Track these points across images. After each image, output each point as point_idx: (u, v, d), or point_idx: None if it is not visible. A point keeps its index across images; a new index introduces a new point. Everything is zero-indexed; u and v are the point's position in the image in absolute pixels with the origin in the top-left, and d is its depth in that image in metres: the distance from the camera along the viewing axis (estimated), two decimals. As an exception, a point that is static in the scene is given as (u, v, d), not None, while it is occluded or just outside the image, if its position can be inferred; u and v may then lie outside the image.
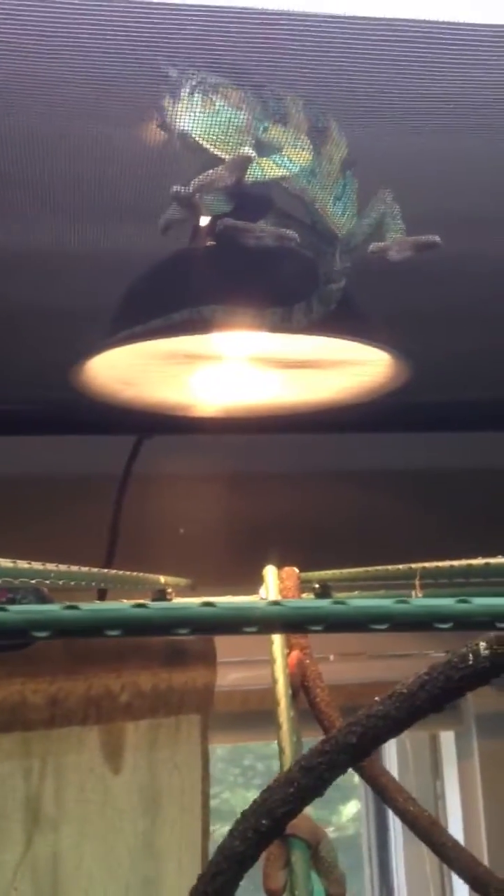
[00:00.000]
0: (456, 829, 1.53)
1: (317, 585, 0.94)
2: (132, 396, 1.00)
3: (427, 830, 0.70)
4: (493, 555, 0.77)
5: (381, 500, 1.41)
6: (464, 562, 0.60)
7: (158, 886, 1.28)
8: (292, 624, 0.38)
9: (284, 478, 1.36)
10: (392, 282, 0.89)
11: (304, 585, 0.94)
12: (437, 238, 0.65)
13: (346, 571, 0.88)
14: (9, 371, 1.13)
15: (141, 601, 0.35)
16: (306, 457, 1.37)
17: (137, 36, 0.65)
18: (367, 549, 1.07)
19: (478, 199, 0.89)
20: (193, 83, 0.61)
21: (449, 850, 0.69)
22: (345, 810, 2.05)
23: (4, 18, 0.58)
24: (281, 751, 0.73)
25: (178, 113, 0.59)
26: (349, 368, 0.95)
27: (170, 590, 0.91)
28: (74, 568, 0.77)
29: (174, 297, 0.86)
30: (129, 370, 0.94)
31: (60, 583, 0.74)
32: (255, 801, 0.48)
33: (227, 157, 0.62)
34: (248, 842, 0.47)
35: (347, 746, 0.46)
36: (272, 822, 0.47)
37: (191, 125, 0.60)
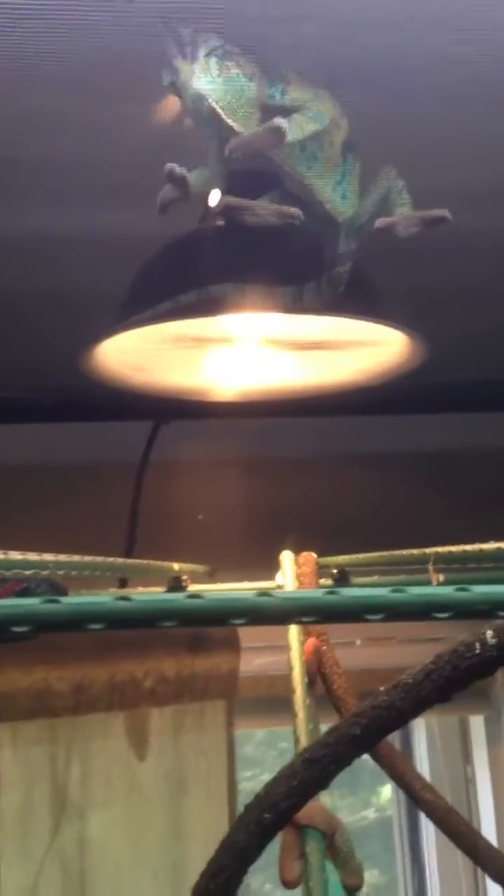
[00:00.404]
0: (487, 812, 1.52)
1: (335, 570, 0.92)
2: (144, 381, 0.99)
3: (444, 819, 0.68)
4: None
5: (398, 484, 1.39)
6: (475, 546, 0.58)
7: (186, 871, 1.28)
8: (282, 615, 0.37)
9: (301, 462, 1.34)
10: (406, 260, 0.87)
11: (321, 571, 0.92)
12: (446, 212, 0.63)
13: (362, 556, 0.86)
14: (20, 359, 1.12)
15: (124, 594, 0.35)
16: (322, 440, 1.35)
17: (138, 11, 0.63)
18: (385, 533, 1.05)
19: (493, 175, 0.86)
20: (210, 47, 0.59)
21: (466, 839, 0.67)
22: (384, 791, 2.04)
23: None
24: (297, 740, 0.72)
25: (194, 74, 0.57)
26: (363, 349, 0.93)
27: (185, 577, 0.90)
28: (88, 558, 0.76)
29: (183, 278, 0.85)
30: (140, 355, 0.93)
31: (73, 573, 0.74)
32: (257, 795, 0.47)
33: (237, 126, 0.61)
34: (250, 836, 0.46)
35: (352, 738, 0.45)
36: (275, 816, 0.46)
37: (207, 88, 0.58)
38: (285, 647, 1.50)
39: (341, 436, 1.35)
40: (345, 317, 0.86)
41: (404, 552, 0.71)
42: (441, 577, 0.80)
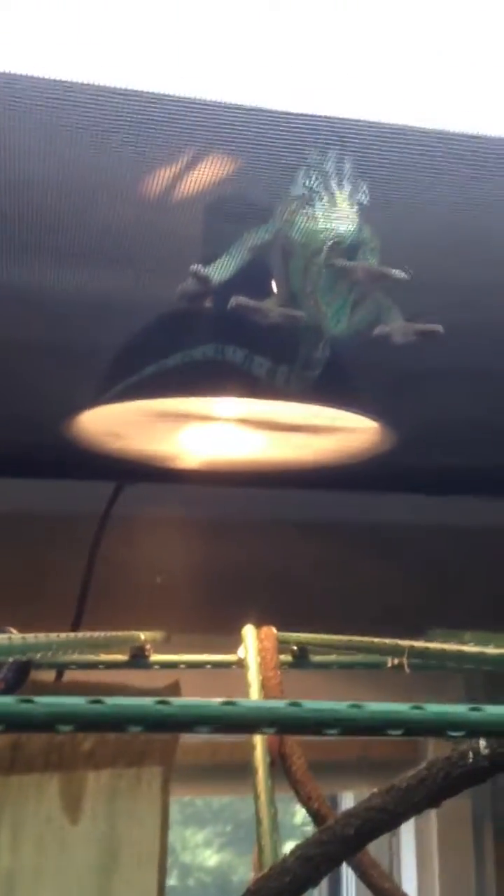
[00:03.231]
0: (410, 887, 1.53)
1: (294, 647, 0.94)
2: (120, 447, 1.01)
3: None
4: (465, 625, 0.78)
5: (362, 558, 1.42)
6: (455, 647, 0.61)
7: (112, 940, 1.26)
8: (249, 724, 0.39)
9: (264, 530, 1.37)
10: (378, 351, 0.91)
11: (280, 647, 0.94)
12: (439, 327, 0.66)
13: (325, 637, 0.88)
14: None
15: (26, 697, 0.36)
16: (287, 510, 1.38)
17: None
18: (347, 606, 1.08)
19: (469, 271, 0.91)
20: (359, 195, 0.63)
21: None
22: (286, 847, 2.03)
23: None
24: (259, 821, 0.73)
25: (338, 211, 0.61)
26: (336, 433, 0.97)
27: (148, 647, 0.91)
28: (53, 635, 0.76)
29: (165, 349, 0.88)
30: (122, 423, 0.95)
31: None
32: (248, 891, 0.48)
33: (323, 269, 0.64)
34: (242, 931, 0.47)
35: (346, 838, 0.47)
36: (266, 913, 0.47)
37: (341, 231, 0.62)
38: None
39: (306, 507, 1.38)
40: (322, 405, 0.90)
41: (375, 640, 0.73)
42: (396, 661, 0.82)
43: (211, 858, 2.17)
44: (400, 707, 0.39)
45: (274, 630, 0.94)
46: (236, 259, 0.66)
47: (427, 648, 0.65)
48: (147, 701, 0.37)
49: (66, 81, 0.56)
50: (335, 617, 0.91)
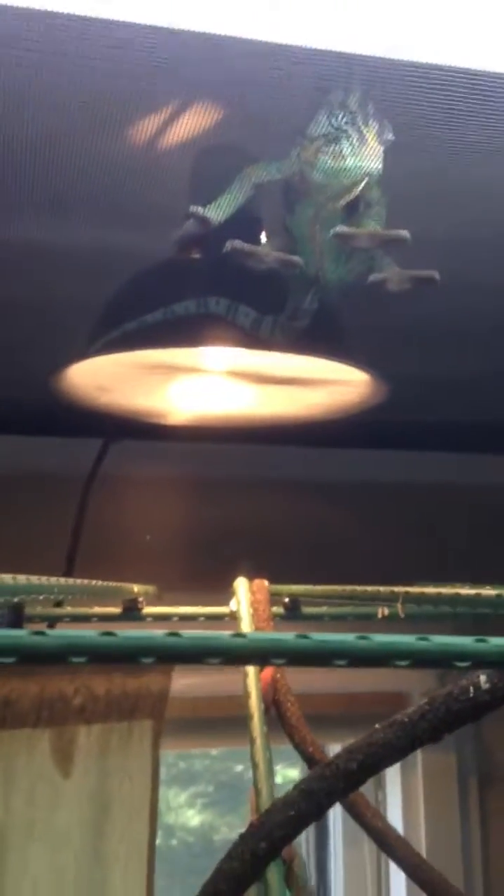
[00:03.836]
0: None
1: (286, 599, 0.94)
2: (107, 402, 1.00)
3: (394, 846, 0.71)
4: (455, 576, 0.79)
5: (349, 514, 1.43)
6: (452, 590, 0.61)
7: (103, 892, 1.28)
8: (256, 656, 0.39)
9: (254, 487, 1.37)
10: (369, 303, 0.90)
11: (273, 599, 0.95)
12: (435, 273, 0.66)
13: (318, 588, 0.89)
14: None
15: (38, 629, 0.36)
16: (277, 467, 1.38)
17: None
18: (335, 562, 1.08)
19: (460, 224, 0.91)
20: (388, 134, 0.61)
21: (415, 866, 0.70)
22: None
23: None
24: (255, 765, 0.74)
25: (366, 149, 0.59)
26: (327, 386, 0.97)
27: (141, 600, 0.91)
28: (45, 579, 0.76)
29: (152, 302, 0.87)
30: (109, 377, 0.94)
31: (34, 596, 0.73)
32: (252, 824, 0.49)
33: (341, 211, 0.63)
34: (246, 864, 0.47)
35: (348, 773, 0.47)
36: (270, 845, 0.47)
37: (371, 168, 0.60)
38: (210, 669, 1.50)
39: (296, 463, 1.38)
40: (312, 356, 0.89)
41: (369, 588, 0.74)
42: (386, 611, 0.83)
43: (194, 818, 2.20)
44: (406, 639, 0.40)
45: (266, 582, 0.95)
46: (238, 196, 0.65)
47: (423, 593, 0.65)
48: (158, 633, 0.37)
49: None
50: (324, 573, 0.92)
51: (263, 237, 0.81)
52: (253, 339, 0.85)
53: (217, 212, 0.65)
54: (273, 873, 0.66)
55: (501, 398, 1.21)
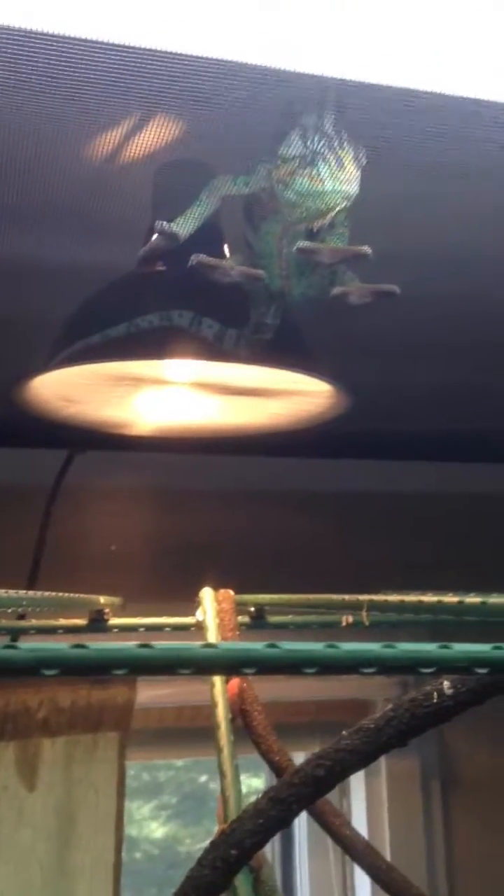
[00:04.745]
0: (360, 844, 1.57)
1: (252, 609, 0.95)
2: (72, 414, 1.00)
3: (362, 853, 0.72)
4: (414, 585, 0.80)
5: (314, 524, 1.44)
6: (415, 598, 0.62)
7: (69, 905, 1.27)
8: (225, 667, 0.39)
9: (219, 497, 1.37)
10: (332, 314, 0.92)
11: (238, 608, 0.95)
12: (395, 288, 0.67)
13: (283, 597, 0.89)
14: None
15: (9, 643, 0.36)
16: (241, 477, 1.39)
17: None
18: (299, 572, 1.09)
19: (421, 238, 0.93)
20: (361, 158, 0.61)
21: (384, 874, 0.71)
22: None
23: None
24: (222, 775, 0.74)
25: (343, 173, 0.59)
26: (291, 397, 0.98)
27: (107, 611, 0.91)
28: (11, 592, 0.76)
29: (115, 315, 0.88)
30: (74, 388, 0.94)
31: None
32: (222, 832, 0.49)
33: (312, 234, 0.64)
34: (216, 871, 0.48)
35: (316, 779, 0.48)
36: (240, 853, 0.48)
37: (345, 193, 0.60)
38: (177, 680, 1.50)
39: (259, 474, 1.39)
40: (275, 368, 0.90)
41: (334, 597, 0.75)
42: (350, 619, 0.84)
43: (157, 831, 2.19)
44: (373, 646, 0.41)
45: (231, 592, 0.95)
46: (205, 209, 0.65)
47: (386, 601, 0.66)
48: (129, 645, 0.38)
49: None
50: (289, 582, 0.93)
51: (226, 250, 0.82)
52: (216, 351, 0.85)
53: (184, 226, 0.66)
54: (241, 882, 0.67)
55: (465, 408, 1.23)
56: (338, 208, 0.60)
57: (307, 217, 0.62)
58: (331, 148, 0.59)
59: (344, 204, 0.60)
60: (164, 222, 0.65)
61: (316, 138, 0.60)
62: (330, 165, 0.59)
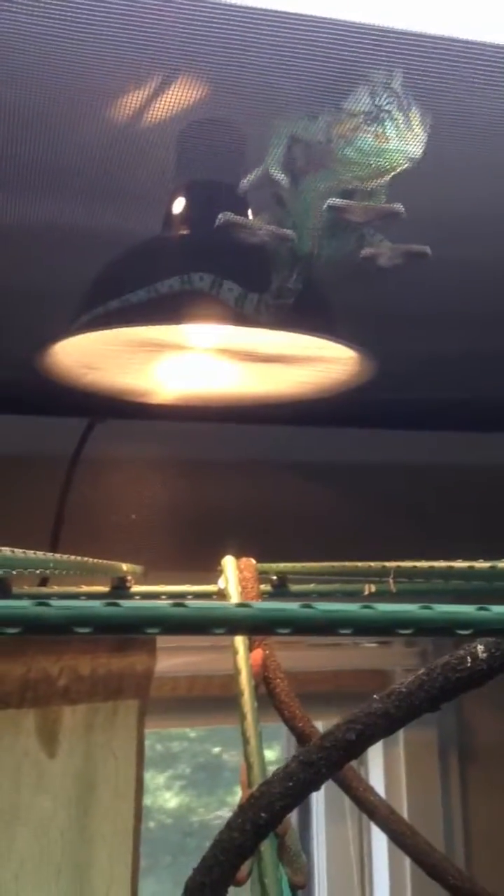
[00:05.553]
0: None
1: (274, 577, 0.95)
2: (92, 381, 0.99)
3: (386, 819, 0.72)
4: (440, 554, 0.79)
5: (336, 493, 1.43)
6: (444, 563, 0.62)
7: (89, 871, 1.28)
8: (259, 627, 0.39)
9: (240, 466, 1.36)
10: (358, 281, 0.90)
11: (260, 577, 0.95)
12: (426, 248, 0.66)
13: (306, 565, 0.89)
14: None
15: (42, 600, 0.36)
16: (263, 446, 1.38)
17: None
18: (321, 541, 1.09)
19: (450, 204, 0.91)
20: (426, 119, 0.60)
21: (407, 839, 0.71)
22: (240, 791, 2.07)
23: None
24: (246, 741, 0.74)
25: (410, 133, 0.57)
26: (315, 364, 0.96)
27: (130, 578, 0.91)
28: (41, 554, 0.76)
29: (136, 280, 0.87)
30: (95, 355, 0.93)
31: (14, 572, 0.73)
32: (252, 795, 0.49)
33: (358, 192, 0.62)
34: (245, 834, 0.48)
35: (347, 743, 0.48)
36: (270, 816, 0.48)
37: (410, 154, 0.58)
38: (196, 648, 1.50)
39: (281, 443, 1.38)
40: (299, 333, 0.89)
41: (360, 564, 0.74)
42: (373, 588, 0.83)
43: (171, 801, 2.21)
44: (410, 607, 0.40)
45: (253, 561, 0.95)
46: (281, 149, 0.64)
47: (415, 567, 0.65)
48: (163, 603, 0.37)
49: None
50: (311, 551, 0.92)
51: (250, 215, 0.80)
52: (238, 315, 0.84)
53: (276, 169, 0.64)
54: (266, 846, 0.67)
55: (490, 377, 1.21)
56: (399, 169, 0.59)
57: (364, 176, 0.60)
58: (400, 108, 0.57)
59: (405, 165, 0.59)
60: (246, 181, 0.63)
61: (385, 96, 0.58)
62: (398, 125, 0.57)
